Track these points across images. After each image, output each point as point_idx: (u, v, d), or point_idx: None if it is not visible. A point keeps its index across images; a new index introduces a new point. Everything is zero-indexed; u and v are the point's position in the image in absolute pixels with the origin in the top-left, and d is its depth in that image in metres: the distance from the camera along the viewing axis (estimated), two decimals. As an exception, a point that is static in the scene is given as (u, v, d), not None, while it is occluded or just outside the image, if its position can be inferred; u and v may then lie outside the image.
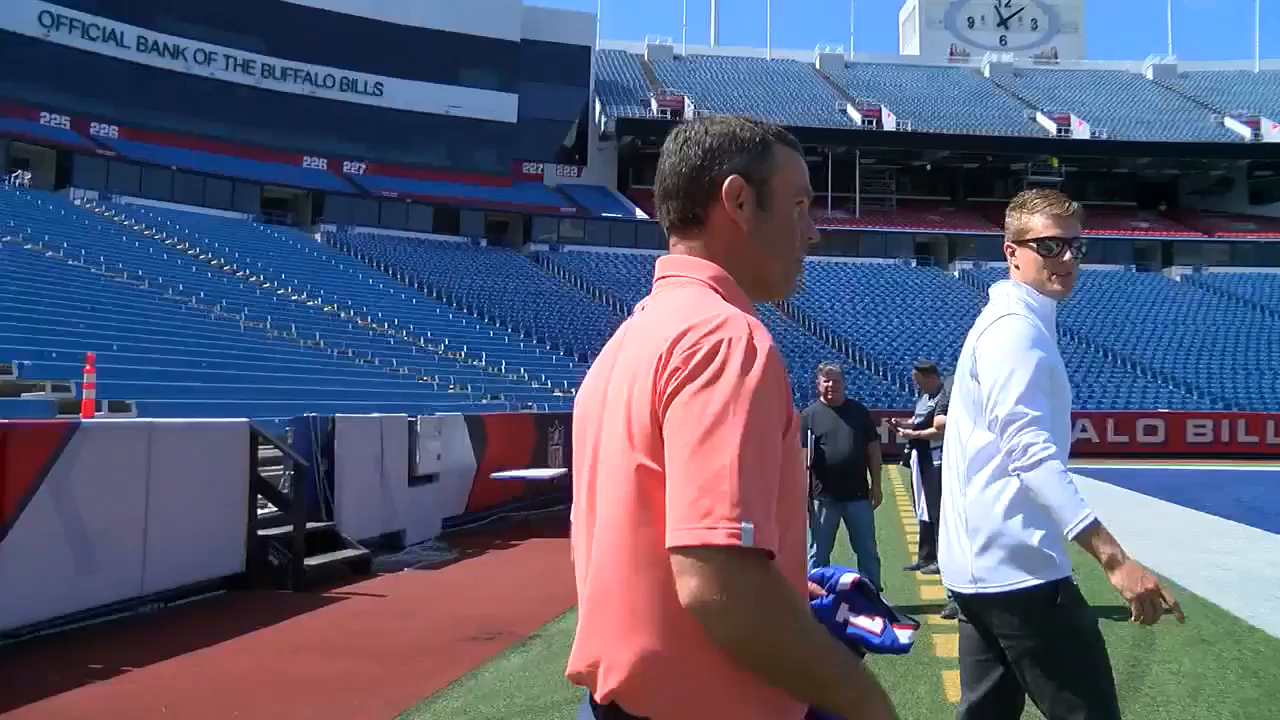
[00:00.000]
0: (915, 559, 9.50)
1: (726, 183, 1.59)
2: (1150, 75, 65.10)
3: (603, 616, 1.47)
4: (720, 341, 1.39)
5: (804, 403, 8.75)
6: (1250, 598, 8.06)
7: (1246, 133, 54.90)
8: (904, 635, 1.68)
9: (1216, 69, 65.78)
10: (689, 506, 1.32)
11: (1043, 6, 70.17)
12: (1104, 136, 53.45)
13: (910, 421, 9.42)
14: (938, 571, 6.49)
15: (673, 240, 1.66)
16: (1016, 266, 2.95)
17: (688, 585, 1.32)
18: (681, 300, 1.52)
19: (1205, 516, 14.07)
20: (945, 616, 6.87)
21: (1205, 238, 51.70)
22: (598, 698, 1.48)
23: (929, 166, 54.92)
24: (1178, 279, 47.52)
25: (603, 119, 53.34)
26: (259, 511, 8.67)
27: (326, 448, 9.81)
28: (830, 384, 7.85)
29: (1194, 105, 59.64)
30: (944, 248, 50.18)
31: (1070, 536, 2.60)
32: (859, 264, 47.50)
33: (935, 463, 8.26)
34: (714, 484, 1.32)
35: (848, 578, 1.72)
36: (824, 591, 1.71)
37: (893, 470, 18.11)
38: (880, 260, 48.23)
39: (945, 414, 7.26)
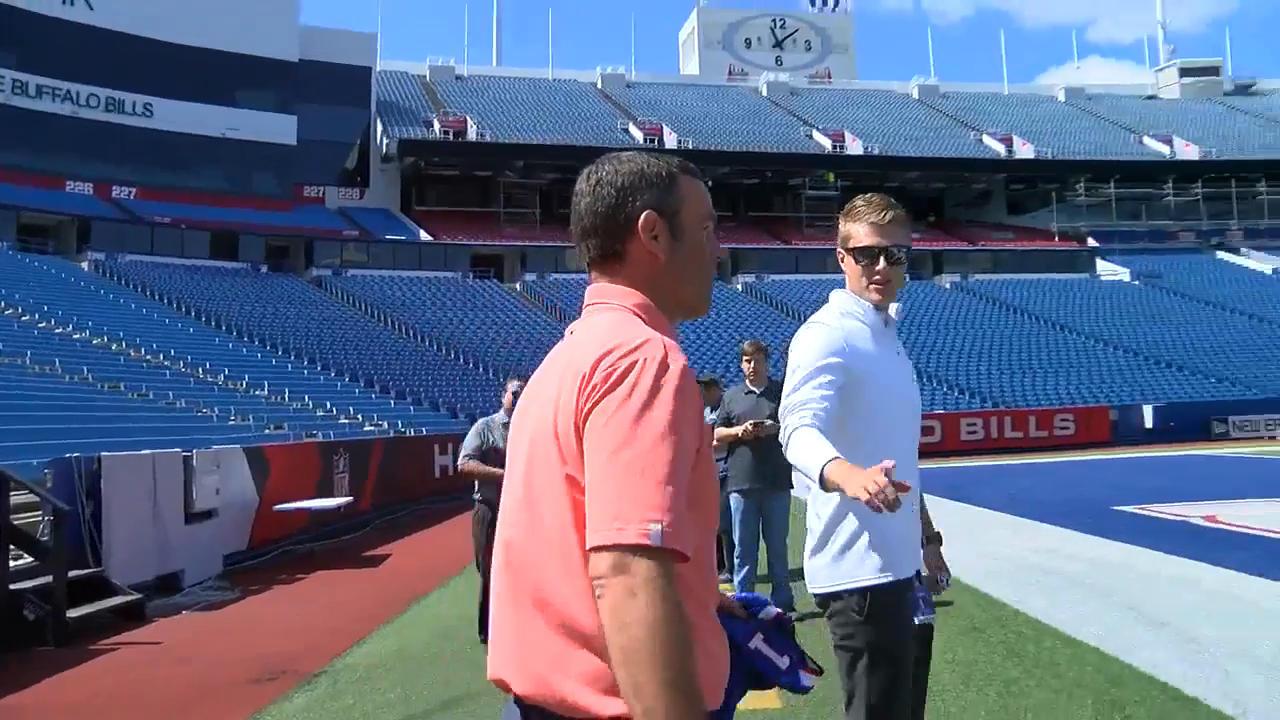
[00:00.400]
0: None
1: (641, 219, 1.70)
2: (916, 95, 68.62)
3: (532, 619, 1.54)
4: (636, 361, 1.50)
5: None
6: (1017, 584, 8.48)
7: (1001, 149, 58.68)
8: (806, 679, 1.84)
9: (973, 90, 69.99)
10: (603, 511, 1.42)
11: (815, 29, 73.07)
12: (876, 152, 55.98)
13: None
14: (728, 580, 6.56)
15: (594, 274, 1.76)
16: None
17: (599, 584, 1.40)
18: (605, 324, 1.63)
19: (980, 510, 14.65)
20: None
21: (970, 247, 54.78)
22: (524, 697, 1.54)
23: (710, 183, 55.12)
24: (948, 286, 50.08)
25: (384, 140, 52.25)
26: (12, 563, 8.01)
27: (92, 489, 9.13)
28: (752, 365, 7.52)
29: (955, 123, 63.19)
30: (727, 262, 51.40)
31: (823, 490, 2.54)
32: (645, 279, 48.02)
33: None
34: (626, 490, 1.41)
35: (772, 611, 1.86)
36: (746, 616, 1.83)
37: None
38: (667, 275, 48.85)
39: (725, 426, 7.38)
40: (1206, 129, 62.53)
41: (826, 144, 57.26)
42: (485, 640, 7.42)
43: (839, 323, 2.86)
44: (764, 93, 65.83)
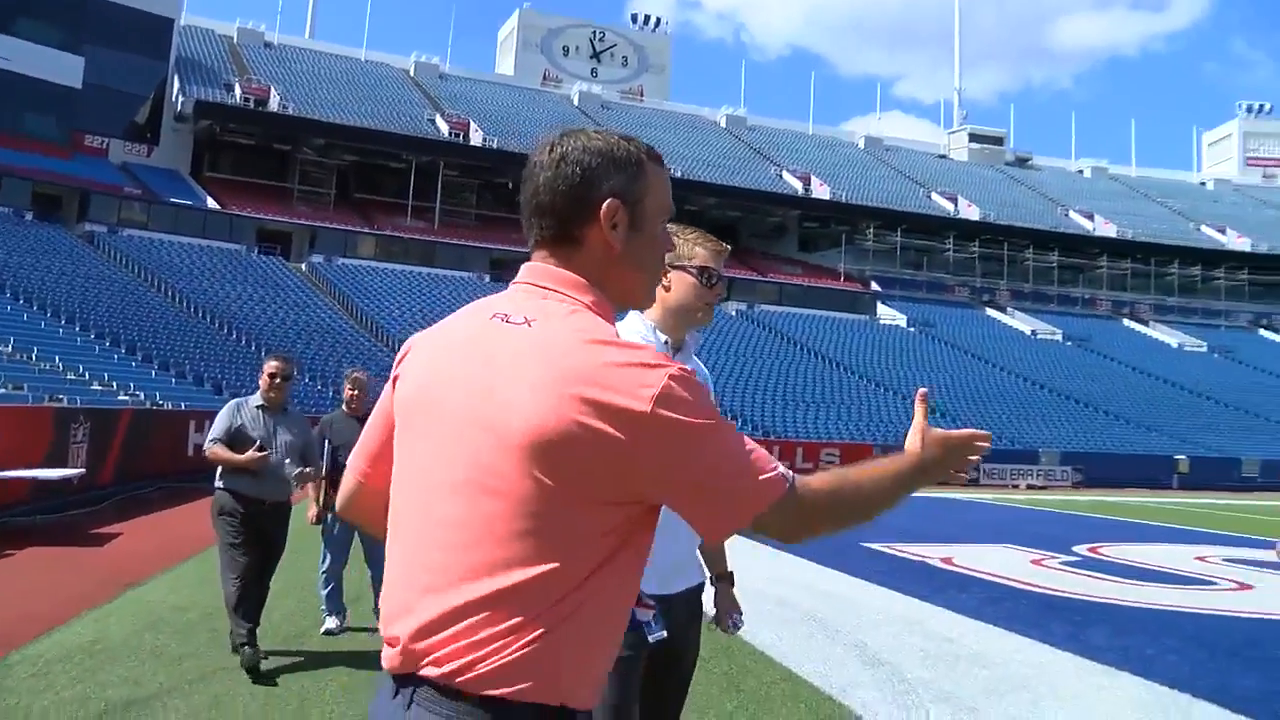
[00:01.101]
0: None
1: (605, 205, 1.61)
2: (723, 124, 70.30)
3: (449, 602, 1.49)
4: (665, 375, 1.46)
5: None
6: (749, 615, 8.67)
7: (800, 186, 60.80)
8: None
9: (779, 126, 72.35)
10: (745, 497, 1.51)
11: (634, 45, 74.04)
12: (678, 175, 56.88)
13: None
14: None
15: (541, 253, 1.66)
16: (666, 288, 2.93)
17: (780, 532, 1.56)
18: (585, 327, 1.53)
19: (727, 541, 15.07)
20: None
21: (760, 277, 56.41)
22: (437, 679, 1.48)
23: (511, 184, 55.64)
24: (733, 314, 51.43)
25: (180, 99, 49.73)
26: None
27: None
28: (355, 392, 7.50)
29: (758, 156, 65.11)
30: (519, 265, 51.13)
31: None
32: (433, 274, 47.60)
33: None
34: (736, 471, 1.50)
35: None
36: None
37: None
38: (456, 272, 48.49)
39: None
40: (987, 193, 66.54)
41: (633, 162, 57.70)
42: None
43: None
44: (576, 102, 66.16)
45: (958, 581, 11.06)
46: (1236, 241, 66.16)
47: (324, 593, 7.37)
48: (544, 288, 1.61)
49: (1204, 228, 68.67)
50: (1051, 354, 52.52)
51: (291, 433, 6.54)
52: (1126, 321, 62.09)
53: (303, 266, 46.02)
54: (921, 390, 1.83)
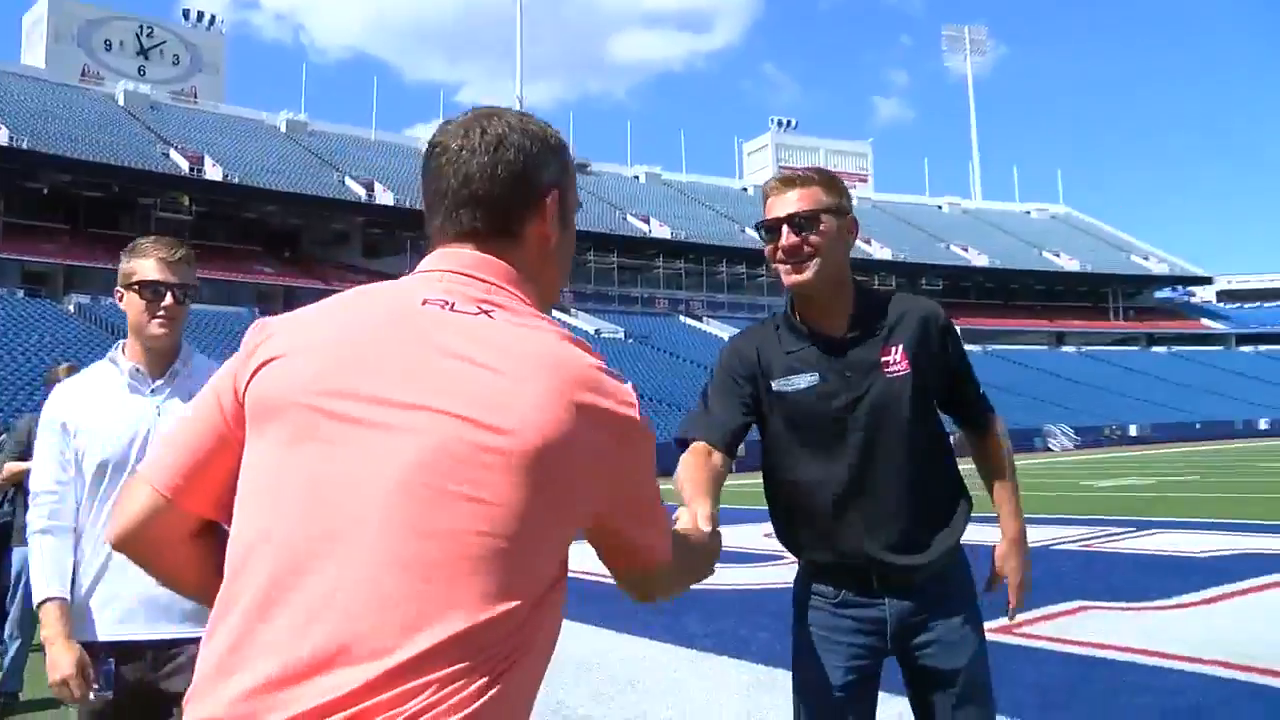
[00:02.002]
0: None
1: (550, 197, 1.45)
2: (284, 128, 68.07)
3: (404, 650, 1.11)
4: (641, 421, 1.35)
5: None
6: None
7: (363, 193, 60.18)
8: None
9: (341, 132, 71.10)
10: (660, 540, 1.49)
11: (186, 44, 70.20)
12: (236, 180, 54.70)
13: None
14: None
15: (466, 246, 1.42)
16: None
17: (652, 590, 1.60)
18: (556, 345, 1.31)
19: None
20: None
21: (323, 285, 55.29)
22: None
23: (46, 190, 50.72)
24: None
25: None
26: None
27: None
28: None
29: (320, 162, 63.75)
30: (59, 279, 47.37)
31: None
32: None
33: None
34: (660, 524, 1.50)
35: None
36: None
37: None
38: (-16, 286, 43.96)
39: (18, 461, 6.77)
40: (549, 200, 68.84)
41: (184, 165, 54.90)
42: None
43: (89, 375, 2.93)
44: (121, 101, 61.50)
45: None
46: (769, 243, 72.71)
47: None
48: (484, 280, 1.38)
49: (747, 229, 75.05)
50: (615, 352, 55.35)
51: None
52: (683, 318, 66.68)
53: None
54: None
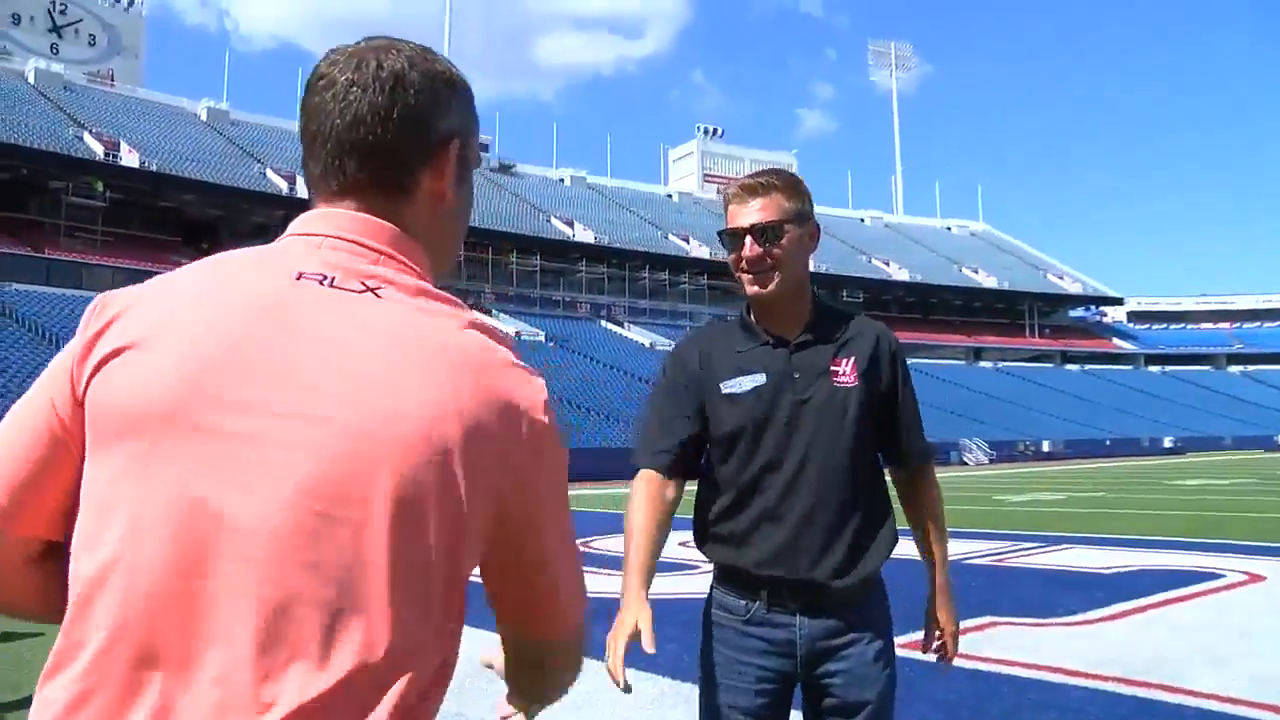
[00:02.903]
0: None
1: (451, 147, 1.21)
2: (205, 116, 66.98)
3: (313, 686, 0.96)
4: (554, 429, 1.14)
5: None
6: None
7: (285, 186, 59.28)
8: None
9: (264, 122, 69.95)
10: (576, 595, 1.24)
11: (103, 24, 68.64)
12: (154, 168, 53.48)
13: None
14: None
15: (347, 202, 1.18)
16: None
17: (567, 662, 1.29)
18: (448, 307, 1.13)
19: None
20: None
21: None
22: None
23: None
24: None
25: None
26: None
27: None
28: None
29: (242, 152, 62.70)
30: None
31: None
32: None
33: None
34: (572, 572, 1.23)
35: None
36: None
37: None
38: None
39: None
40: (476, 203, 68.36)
41: (99, 149, 53.51)
42: None
43: None
44: (32, 79, 59.78)
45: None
46: (698, 249, 73.15)
47: None
48: (370, 249, 1.15)
49: (670, 236, 75.37)
50: (536, 355, 55.13)
51: None
52: (604, 323, 66.68)
53: None
54: None
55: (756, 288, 2.49)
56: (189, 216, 56.89)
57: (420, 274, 1.16)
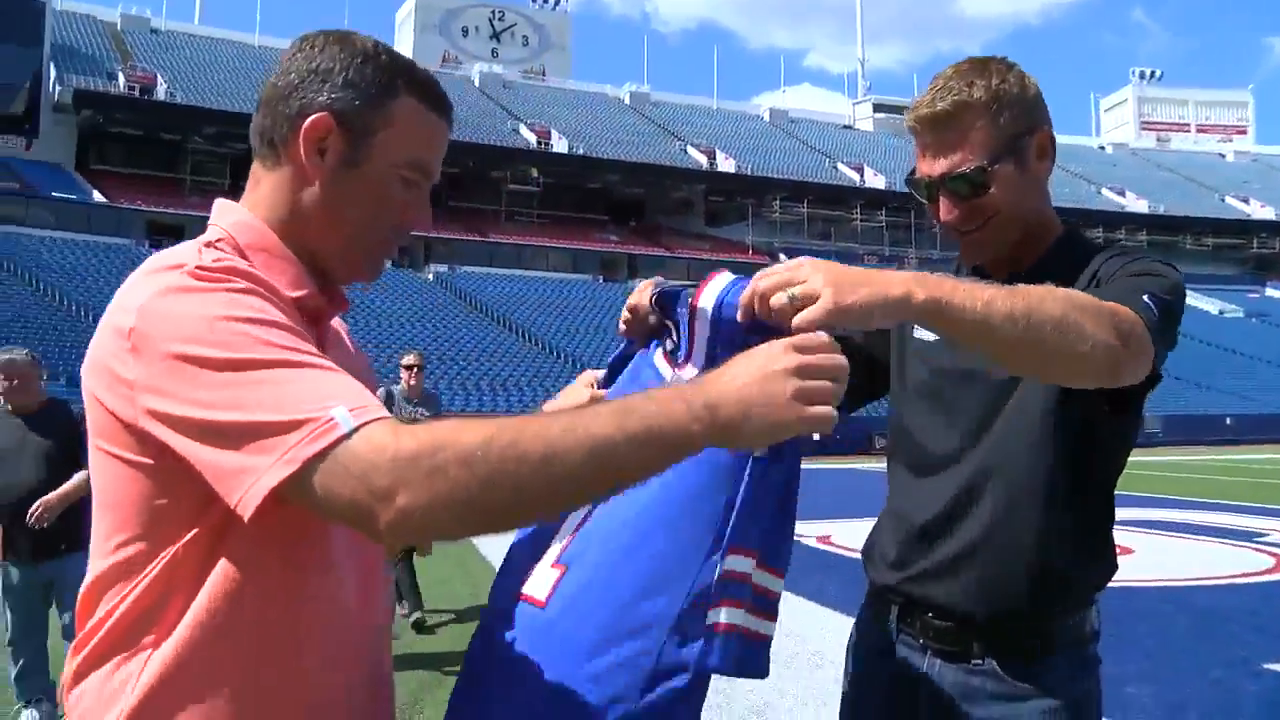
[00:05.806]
0: None
1: (309, 120, 1.26)
2: (627, 100, 69.92)
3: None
4: (188, 269, 1.18)
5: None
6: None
7: (704, 161, 60.61)
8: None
9: (683, 102, 72.10)
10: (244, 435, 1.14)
11: (534, 25, 73.29)
12: (581, 152, 56.47)
13: None
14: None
15: (254, 165, 1.34)
16: None
17: (349, 514, 1.08)
18: (165, 255, 1.24)
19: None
20: None
21: (667, 253, 56.19)
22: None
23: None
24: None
25: (58, 88, 47.92)
26: None
27: None
28: (13, 381, 5.10)
29: (662, 132, 64.83)
30: (420, 250, 50.40)
31: None
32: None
33: None
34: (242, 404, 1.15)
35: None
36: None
37: None
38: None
39: None
40: (893, 162, 66.93)
41: (532, 139, 57.33)
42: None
43: None
44: (476, 83, 65.32)
45: (827, 564, 10.04)
46: (1136, 203, 67.35)
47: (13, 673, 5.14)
48: (215, 228, 1.30)
49: (1104, 190, 69.82)
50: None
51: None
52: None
53: (195, 259, 44.63)
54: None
55: (969, 254, 1.88)
56: (615, 196, 59.53)
57: (223, 227, 1.28)
